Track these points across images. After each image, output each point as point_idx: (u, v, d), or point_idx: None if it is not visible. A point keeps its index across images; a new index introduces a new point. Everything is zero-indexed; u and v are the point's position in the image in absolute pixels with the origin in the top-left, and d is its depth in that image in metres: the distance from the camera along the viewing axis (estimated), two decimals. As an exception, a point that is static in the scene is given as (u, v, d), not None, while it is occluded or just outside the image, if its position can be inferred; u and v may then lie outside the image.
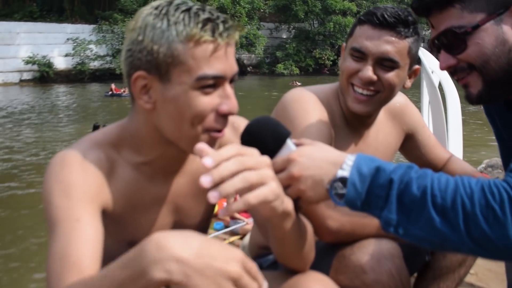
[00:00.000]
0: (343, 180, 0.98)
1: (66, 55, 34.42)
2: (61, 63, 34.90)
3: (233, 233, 7.07)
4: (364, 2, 41.26)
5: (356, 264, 1.33)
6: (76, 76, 34.08)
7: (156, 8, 1.05)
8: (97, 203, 1.11)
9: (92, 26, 35.40)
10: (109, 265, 0.85)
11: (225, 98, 1.06)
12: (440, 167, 1.84)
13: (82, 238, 1.02)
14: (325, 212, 1.38)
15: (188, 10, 1.03)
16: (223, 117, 1.07)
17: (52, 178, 1.09)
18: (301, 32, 40.80)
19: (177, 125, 1.07)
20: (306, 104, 1.55)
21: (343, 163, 0.99)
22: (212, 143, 1.09)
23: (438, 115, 2.34)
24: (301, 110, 1.53)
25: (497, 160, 6.26)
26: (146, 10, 1.07)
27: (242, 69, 38.43)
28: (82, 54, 33.84)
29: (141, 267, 0.79)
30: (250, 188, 0.90)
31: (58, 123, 19.11)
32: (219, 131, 1.09)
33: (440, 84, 2.55)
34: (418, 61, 1.66)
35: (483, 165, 5.94)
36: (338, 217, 1.38)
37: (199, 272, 0.77)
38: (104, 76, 34.10)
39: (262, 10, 39.78)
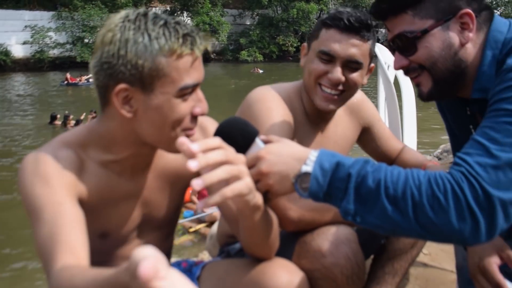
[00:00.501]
0: (306, 175, 1.08)
1: (24, 43, 33.29)
2: (19, 51, 33.74)
3: (200, 221, 7.17)
4: (327, -12, 41.50)
5: (316, 249, 1.44)
6: (35, 65, 33.07)
7: (133, 21, 1.12)
8: (73, 193, 1.19)
9: (51, 13, 34.33)
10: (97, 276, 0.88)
11: (198, 102, 1.18)
12: (394, 157, 1.98)
13: (68, 219, 1.10)
14: (287, 204, 1.50)
15: (165, 24, 1.12)
16: (195, 117, 1.19)
17: (29, 173, 1.16)
18: (265, 19, 40.68)
19: (158, 129, 1.16)
20: (270, 102, 1.65)
21: (307, 159, 1.09)
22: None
23: (393, 108, 2.48)
24: (264, 109, 1.63)
25: (453, 145, 6.51)
26: (120, 22, 1.13)
27: (206, 56, 38.12)
28: (41, 42, 32.83)
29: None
30: (228, 181, 1.00)
31: (14, 113, 18.58)
32: (192, 129, 1.20)
33: (396, 78, 2.69)
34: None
35: (439, 150, 6.18)
36: (298, 209, 1.50)
37: None
38: (65, 64, 33.22)
39: (225, -3, 39.56)
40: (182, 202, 1.50)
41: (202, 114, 1.19)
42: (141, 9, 1.18)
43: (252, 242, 1.28)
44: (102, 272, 0.87)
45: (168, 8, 38.42)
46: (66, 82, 26.26)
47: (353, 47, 1.58)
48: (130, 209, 1.34)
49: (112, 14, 1.18)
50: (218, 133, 1.12)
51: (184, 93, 1.14)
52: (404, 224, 1.03)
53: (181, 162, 1.40)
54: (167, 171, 1.38)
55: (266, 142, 1.16)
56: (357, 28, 1.57)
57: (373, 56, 1.68)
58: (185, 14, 38.06)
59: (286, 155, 1.11)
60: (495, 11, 47.19)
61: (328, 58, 1.60)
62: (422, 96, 1.33)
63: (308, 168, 1.09)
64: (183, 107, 1.15)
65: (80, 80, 26.00)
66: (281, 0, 39.48)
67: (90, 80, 25.78)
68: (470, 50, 1.24)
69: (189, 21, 37.73)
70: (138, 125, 1.17)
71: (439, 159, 5.86)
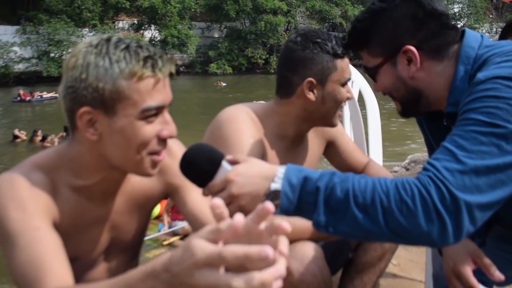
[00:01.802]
0: (276, 192, 1.10)
1: (-12, 58, 32.72)
2: (-18, 66, 33.10)
3: (174, 234, 7.14)
4: (294, 1, 41.90)
5: None
6: (0, 80, 32.44)
7: (95, 46, 1.13)
8: (48, 217, 1.18)
9: (15, 27, 33.72)
10: (119, 278, 0.90)
11: (165, 124, 1.18)
12: (360, 170, 2.01)
13: (47, 245, 1.10)
14: None
15: (127, 47, 1.13)
16: (163, 140, 1.19)
17: (2, 196, 1.14)
18: (233, 31, 40.82)
19: (124, 152, 1.16)
20: (239, 124, 1.66)
21: (275, 176, 1.12)
22: (154, 165, 1.21)
23: (357, 123, 2.53)
24: (234, 130, 1.64)
25: (419, 155, 6.65)
26: (84, 48, 1.14)
27: (175, 70, 38.07)
28: (5, 57, 32.13)
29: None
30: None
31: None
32: (159, 154, 1.20)
33: (360, 93, 2.74)
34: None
35: (406, 161, 6.29)
36: None
37: None
38: (31, 79, 32.58)
39: (193, 10, 39.49)
40: (148, 223, 1.50)
41: (170, 137, 1.19)
42: (105, 35, 1.19)
43: None
44: (125, 276, 0.88)
45: (136, 22, 38.17)
46: (18, 98, 25.20)
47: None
48: (99, 233, 1.33)
49: (80, 42, 1.19)
50: (184, 161, 1.13)
51: (147, 115, 1.14)
52: (375, 230, 1.05)
53: (148, 184, 1.40)
54: (135, 193, 1.38)
55: (233, 162, 1.16)
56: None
57: None
58: (152, 27, 37.86)
59: (254, 175, 1.13)
60: (459, 22, 48.68)
61: (345, 82, 1.74)
62: (400, 114, 1.47)
63: (277, 185, 1.11)
64: (148, 130, 1.15)
65: (33, 97, 25.08)
66: (249, 13, 39.69)
67: (44, 96, 25.26)
68: (424, 78, 1.33)
69: (157, 35, 37.59)
70: (104, 148, 1.17)
71: (407, 169, 5.96)
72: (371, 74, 1.41)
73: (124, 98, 1.11)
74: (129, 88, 1.11)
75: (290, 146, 1.82)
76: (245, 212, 1.14)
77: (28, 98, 24.97)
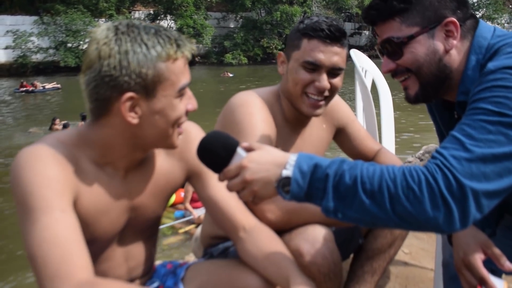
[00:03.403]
0: (287, 179, 1.15)
1: (6, 48, 32.90)
2: (1, 56, 33.30)
3: (190, 222, 7.25)
4: (310, -9, 41.72)
5: (294, 248, 1.50)
6: (17, 70, 32.72)
7: (126, 33, 1.18)
8: (72, 196, 1.21)
9: (33, 17, 34.00)
10: None
11: (190, 99, 1.29)
12: (371, 158, 2.04)
13: (72, 230, 1.14)
14: (265, 206, 1.57)
15: (156, 32, 1.20)
16: (187, 113, 1.30)
17: (27, 170, 1.16)
18: (249, 22, 40.73)
19: (161, 129, 1.25)
20: (251, 107, 1.72)
21: (286, 163, 1.16)
22: (179, 136, 1.31)
23: (370, 112, 2.55)
24: (246, 114, 1.69)
25: (434, 146, 6.63)
26: (112, 35, 1.17)
27: (191, 60, 38.03)
28: (23, 47, 32.46)
29: None
30: None
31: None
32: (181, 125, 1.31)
33: (373, 83, 2.76)
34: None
35: (421, 151, 6.29)
36: (275, 210, 1.57)
37: None
38: (48, 69, 32.94)
39: (209, 0, 39.48)
40: (166, 207, 1.55)
41: (194, 110, 1.30)
42: (124, 21, 1.24)
43: None
44: None
45: (152, 12, 38.29)
46: (21, 89, 25.20)
47: (336, 55, 1.67)
48: (119, 213, 1.37)
49: (94, 29, 1.23)
50: (201, 148, 1.20)
51: (182, 93, 1.24)
52: (382, 215, 1.09)
53: (170, 167, 1.45)
54: (156, 175, 1.43)
55: (247, 149, 1.21)
56: (338, 37, 1.65)
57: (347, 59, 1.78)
58: (168, 17, 37.95)
59: (266, 162, 1.17)
60: (477, 12, 47.91)
61: (314, 67, 1.67)
62: (409, 99, 1.40)
63: (288, 172, 1.15)
64: (181, 106, 1.25)
65: (36, 87, 25.07)
66: (265, 3, 39.57)
67: (46, 87, 25.25)
68: (455, 57, 1.32)
69: (172, 24, 37.63)
70: (141, 129, 1.24)
71: (421, 160, 5.96)
72: (398, 45, 1.32)
73: (164, 80, 1.20)
74: (168, 69, 1.20)
75: (298, 131, 1.87)
76: (258, 198, 1.19)
77: (31, 89, 25.00)
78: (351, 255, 2.03)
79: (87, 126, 1.30)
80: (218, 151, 1.19)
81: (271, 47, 40.26)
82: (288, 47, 1.75)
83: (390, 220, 1.09)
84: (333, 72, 1.69)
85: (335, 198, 1.12)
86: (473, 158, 1.06)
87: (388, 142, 2.57)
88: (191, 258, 3.21)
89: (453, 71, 1.32)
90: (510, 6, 51.99)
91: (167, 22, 38.18)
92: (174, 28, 37.23)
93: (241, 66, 36.85)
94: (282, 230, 1.58)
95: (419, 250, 3.06)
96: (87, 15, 33.62)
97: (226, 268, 1.43)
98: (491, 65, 1.18)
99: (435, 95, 1.39)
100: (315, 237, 1.52)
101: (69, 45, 32.96)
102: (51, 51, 33.32)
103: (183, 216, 7.30)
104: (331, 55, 1.66)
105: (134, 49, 1.16)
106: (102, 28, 1.21)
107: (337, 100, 1.99)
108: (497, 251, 1.39)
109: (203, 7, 38.70)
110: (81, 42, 32.76)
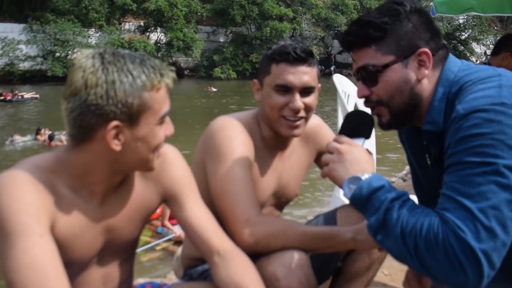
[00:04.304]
0: (358, 179, 1.31)
1: (-6, 55, 32.71)
2: (-13, 63, 33.07)
3: (167, 239, 7.23)
4: (300, 8, 42.01)
5: (271, 273, 1.53)
6: (4, 78, 32.32)
7: (113, 63, 1.21)
8: (49, 221, 1.23)
9: (22, 25, 33.70)
10: None
11: (168, 124, 1.33)
12: None
13: (50, 255, 1.16)
14: (244, 229, 1.59)
15: (142, 62, 1.24)
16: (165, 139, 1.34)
17: (5, 196, 1.18)
18: (239, 37, 40.87)
19: (143, 156, 1.29)
20: (230, 131, 1.76)
21: (366, 171, 1.32)
22: (157, 159, 1.35)
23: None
24: (226, 138, 1.73)
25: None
26: (99, 64, 1.20)
27: (179, 73, 37.94)
28: (11, 55, 32.11)
29: None
30: None
31: None
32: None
33: (356, 106, 2.81)
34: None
35: (404, 172, 6.35)
36: (254, 234, 1.59)
37: None
38: (35, 78, 32.53)
39: (199, 14, 39.54)
40: (144, 227, 1.57)
41: (171, 135, 1.35)
42: (110, 49, 1.27)
43: None
44: None
45: (142, 24, 38.31)
46: (2, 97, 24.21)
47: (305, 75, 1.73)
48: (95, 236, 1.39)
49: (79, 55, 1.25)
50: (351, 115, 1.49)
51: (163, 120, 1.29)
52: (409, 260, 1.21)
53: (146, 190, 1.47)
54: (133, 198, 1.45)
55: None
56: (304, 58, 1.72)
57: (319, 77, 1.83)
58: (158, 29, 37.95)
59: (356, 161, 1.34)
60: (463, 33, 48.52)
61: (285, 89, 1.73)
62: (382, 126, 1.47)
63: (362, 176, 1.31)
64: (162, 132, 1.30)
65: (14, 96, 24.23)
66: (255, 19, 39.75)
67: (25, 96, 24.58)
68: (426, 86, 1.37)
69: (162, 37, 37.65)
70: (122, 155, 1.27)
71: (404, 180, 6.02)
72: (373, 73, 1.37)
73: (148, 109, 1.24)
74: (151, 98, 1.24)
75: (278, 153, 1.90)
76: (330, 178, 1.37)
77: (8, 98, 24.22)
78: (330, 278, 2.06)
79: (66, 150, 1.32)
80: (357, 124, 1.44)
81: (262, 58, 40.18)
82: (260, 74, 1.81)
83: (415, 266, 1.21)
84: (305, 91, 1.75)
85: (381, 221, 1.25)
86: (476, 215, 1.13)
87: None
88: (172, 276, 3.21)
89: (423, 99, 1.38)
90: (495, 28, 52.91)
91: (157, 35, 38.17)
92: (164, 41, 37.27)
93: (229, 81, 36.89)
94: (260, 253, 1.60)
95: (399, 272, 3.09)
96: (77, 25, 33.45)
97: None
98: (460, 108, 1.23)
99: (407, 122, 1.45)
100: (291, 262, 1.54)
101: (58, 54, 32.71)
102: (39, 59, 33.00)
103: (161, 233, 7.30)
104: (300, 75, 1.72)
105: (121, 79, 1.19)
106: (87, 55, 1.23)
107: (319, 123, 2.04)
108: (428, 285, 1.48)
109: (193, 20, 38.77)
110: (70, 52, 32.55)
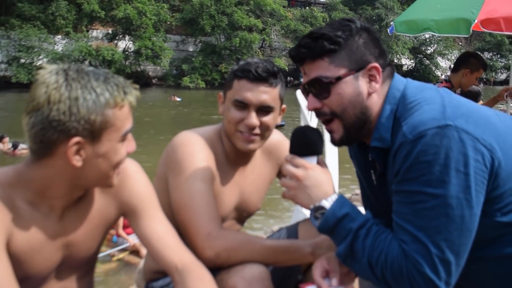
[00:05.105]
0: (323, 208, 1.37)
1: (-44, 61, 31.83)
2: (-51, 70, 32.11)
3: (123, 249, 7.18)
4: (270, 19, 42.34)
5: (232, 286, 1.55)
6: (-33, 84, 31.57)
7: (77, 80, 1.21)
8: (4, 238, 1.23)
9: (-15, 31, 33.10)
10: None
11: (130, 141, 1.34)
12: None
13: (4, 272, 1.17)
14: (204, 243, 1.61)
15: (105, 80, 1.24)
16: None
17: None
18: (208, 46, 40.88)
19: (104, 172, 1.29)
20: (192, 147, 1.77)
21: (329, 196, 1.37)
22: (117, 176, 1.36)
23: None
24: (187, 154, 1.75)
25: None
26: (63, 80, 1.20)
27: (147, 81, 37.61)
28: (-27, 60, 31.51)
29: None
30: None
31: None
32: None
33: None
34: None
35: (357, 191, 6.48)
36: (215, 248, 1.61)
37: None
38: (-2, 84, 31.96)
39: (168, 23, 39.43)
40: (104, 240, 1.57)
41: (133, 152, 1.36)
42: (73, 65, 1.27)
43: None
44: None
45: (110, 31, 37.93)
46: None
47: (264, 94, 1.75)
48: (53, 251, 1.38)
49: (42, 71, 1.25)
50: (301, 131, 1.47)
51: (126, 137, 1.30)
52: (377, 283, 1.33)
53: (105, 204, 1.47)
54: (92, 213, 1.45)
55: (320, 162, 1.44)
56: (264, 77, 1.74)
57: (283, 99, 1.86)
58: (127, 38, 37.64)
59: (319, 184, 1.39)
60: (428, 47, 49.60)
61: (242, 105, 1.75)
62: (334, 142, 1.50)
63: (326, 204, 1.37)
64: (123, 149, 1.31)
65: None
66: (224, 29, 39.86)
67: None
68: (375, 100, 1.42)
69: (131, 45, 37.34)
70: (83, 171, 1.27)
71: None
72: (327, 84, 1.39)
73: (110, 126, 1.24)
74: (114, 116, 1.25)
75: (240, 168, 1.93)
76: (294, 202, 1.41)
77: None
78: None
79: (26, 164, 1.31)
80: (308, 143, 1.45)
81: (229, 73, 40.22)
82: (225, 88, 1.85)
83: (383, 286, 1.33)
84: (262, 109, 1.77)
85: (348, 250, 1.35)
86: (431, 250, 1.24)
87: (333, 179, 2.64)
88: (134, 288, 3.18)
89: (373, 115, 1.42)
90: (460, 43, 54.39)
91: (125, 43, 37.86)
92: (132, 49, 36.96)
93: (198, 90, 36.81)
94: (220, 267, 1.62)
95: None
96: (43, 31, 32.92)
97: None
98: (407, 131, 1.29)
99: (358, 137, 1.48)
100: (252, 276, 1.57)
101: (22, 60, 32.07)
102: (3, 66, 32.29)
103: (116, 242, 7.24)
104: (258, 93, 1.75)
105: (84, 96, 1.20)
106: (51, 71, 1.23)
107: (280, 139, 2.07)
108: (333, 267, 1.53)
109: (162, 29, 38.62)
110: (35, 59, 31.96)
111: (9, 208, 1.26)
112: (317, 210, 1.37)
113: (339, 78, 1.39)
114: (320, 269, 1.52)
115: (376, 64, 1.41)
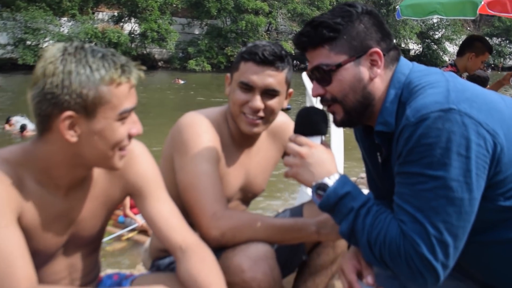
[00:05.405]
0: (325, 185, 1.37)
1: (-38, 42, 31.88)
2: (-45, 51, 32.19)
3: (131, 229, 7.25)
4: (276, 2, 42.06)
5: (237, 264, 1.57)
6: (-27, 65, 31.63)
7: (73, 54, 1.23)
8: (15, 212, 1.26)
9: (-9, 12, 33.05)
10: None
11: (134, 123, 1.33)
12: None
13: (15, 243, 1.20)
14: (209, 223, 1.63)
15: (103, 56, 1.24)
16: (131, 137, 1.33)
17: None
18: (214, 29, 40.70)
19: (100, 150, 1.29)
20: (198, 128, 1.79)
21: (332, 174, 1.38)
22: (121, 159, 1.35)
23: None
24: (193, 134, 1.76)
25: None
26: (60, 55, 1.23)
27: (153, 64, 37.56)
28: (-20, 42, 31.51)
29: None
30: None
31: None
32: (125, 149, 1.34)
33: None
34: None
35: (362, 175, 6.47)
36: (220, 227, 1.63)
37: None
38: (5, 66, 31.95)
39: (174, 5, 39.23)
40: (109, 219, 1.60)
41: (138, 134, 1.34)
42: (78, 43, 1.29)
43: None
44: None
45: (116, 14, 37.80)
46: None
47: (269, 77, 1.75)
48: (60, 228, 1.41)
49: (47, 47, 1.27)
50: (304, 113, 1.48)
51: (123, 116, 1.28)
52: (376, 263, 1.37)
53: (110, 183, 1.50)
54: (97, 191, 1.47)
55: (323, 144, 1.47)
56: (271, 61, 1.74)
57: (289, 83, 1.86)
58: (132, 20, 37.53)
59: (321, 161, 1.40)
60: (436, 32, 49.16)
61: (248, 88, 1.76)
62: (336, 123, 1.52)
63: (328, 181, 1.38)
64: (122, 129, 1.29)
65: None
66: (230, 12, 39.65)
67: None
68: (378, 85, 1.42)
69: (136, 28, 37.24)
70: (80, 148, 1.28)
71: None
72: (327, 72, 1.41)
73: (105, 103, 1.24)
74: (110, 93, 1.24)
75: (245, 149, 1.95)
76: (297, 180, 1.42)
77: None
78: (296, 271, 2.11)
79: (33, 142, 1.34)
80: (312, 123, 1.46)
81: (235, 56, 39.98)
82: (231, 69, 1.85)
83: (382, 268, 1.36)
84: (267, 93, 1.78)
85: (350, 229, 1.36)
86: (429, 231, 1.25)
87: (337, 161, 2.66)
88: (141, 267, 3.23)
89: (376, 99, 1.43)
90: (468, 28, 53.87)
91: (131, 25, 37.75)
92: (138, 32, 36.85)
93: (204, 73, 36.73)
94: (225, 246, 1.64)
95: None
96: (49, 13, 32.82)
97: (170, 283, 1.48)
98: (410, 114, 1.28)
99: (360, 120, 1.50)
100: (257, 254, 1.59)
101: (28, 42, 32.07)
102: (9, 47, 32.33)
103: (124, 222, 7.30)
104: (264, 77, 1.75)
105: (78, 70, 1.21)
106: (53, 47, 1.26)
107: (286, 121, 2.08)
108: (365, 265, 1.52)
109: (168, 12, 38.45)
110: (41, 41, 31.93)
111: (19, 186, 1.29)
112: (319, 187, 1.38)
113: (339, 65, 1.40)
114: (352, 270, 1.51)
115: (377, 49, 1.40)
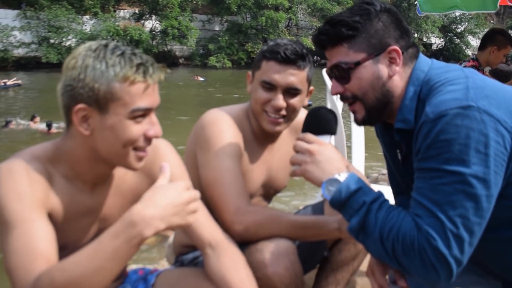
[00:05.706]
0: (336, 181, 1.36)
1: (-13, 42, 32.37)
2: (-20, 50, 32.68)
3: None
4: (296, -3, 41.92)
5: (259, 260, 1.60)
6: (-1, 64, 32.11)
7: (94, 50, 1.27)
8: (43, 208, 1.30)
9: (15, 11, 33.38)
10: (94, 241, 1.16)
11: (151, 125, 1.33)
12: None
13: (42, 235, 1.24)
14: (233, 218, 1.66)
15: (122, 54, 1.27)
16: (149, 139, 1.33)
17: (2, 186, 1.27)
18: (234, 25, 40.69)
19: (112, 147, 1.31)
20: (221, 125, 1.82)
21: (342, 171, 1.37)
22: (139, 160, 1.36)
23: (339, 130, 2.66)
24: (216, 131, 1.79)
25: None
26: (84, 51, 1.28)
27: (174, 61, 37.73)
28: (4, 41, 31.78)
29: (134, 232, 1.19)
30: None
31: None
32: (144, 150, 1.35)
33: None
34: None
35: (383, 171, 6.44)
36: (244, 223, 1.66)
37: (171, 214, 1.23)
38: (30, 64, 32.35)
39: (194, 2, 39.31)
40: None
41: (156, 137, 1.34)
42: (105, 41, 1.32)
43: None
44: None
45: (137, 11, 38.05)
46: None
47: (291, 76, 1.77)
48: (88, 223, 1.46)
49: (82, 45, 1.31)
50: (313, 113, 1.50)
51: (136, 115, 1.29)
52: (387, 260, 1.32)
53: (136, 181, 1.53)
54: (124, 189, 1.51)
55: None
56: (293, 60, 1.76)
57: (310, 81, 1.87)
58: (153, 17, 37.74)
59: (331, 159, 1.39)
60: (459, 26, 48.34)
61: (270, 87, 1.78)
62: (357, 121, 1.53)
63: (339, 178, 1.36)
64: (135, 129, 1.30)
65: (5, 83, 23.57)
66: (250, 8, 39.58)
67: (7, 83, 23.99)
68: (397, 82, 1.43)
69: (157, 25, 37.44)
70: (95, 142, 1.31)
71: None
72: (346, 70, 1.42)
73: (117, 99, 1.26)
74: (122, 90, 1.26)
75: (268, 146, 1.97)
76: (305, 178, 1.40)
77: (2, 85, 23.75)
78: (317, 267, 2.13)
79: (62, 137, 1.39)
80: (321, 122, 1.47)
81: (256, 52, 40.13)
82: (253, 68, 1.87)
83: (393, 264, 1.32)
84: (289, 92, 1.79)
85: (360, 224, 1.33)
86: (445, 224, 1.23)
87: (358, 160, 2.67)
88: (165, 263, 3.28)
89: (395, 96, 1.44)
90: (492, 21, 52.94)
91: (152, 23, 37.96)
92: (159, 29, 37.03)
93: (225, 70, 36.78)
94: (248, 241, 1.67)
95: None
96: (71, 11, 33.18)
97: (194, 277, 1.51)
98: (429, 111, 1.29)
99: (380, 118, 1.51)
100: (279, 250, 1.61)
101: (52, 41, 32.46)
102: (33, 46, 32.70)
103: None
104: (286, 76, 1.77)
105: (94, 65, 1.25)
106: (83, 45, 1.32)
107: None
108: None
109: (188, 9, 38.54)
110: (64, 39, 32.34)
111: (48, 182, 1.33)
112: (330, 184, 1.37)
113: (358, 63, 1.41)
114: (382, 273, 1.52)
115: (396, 47, 1.41)
